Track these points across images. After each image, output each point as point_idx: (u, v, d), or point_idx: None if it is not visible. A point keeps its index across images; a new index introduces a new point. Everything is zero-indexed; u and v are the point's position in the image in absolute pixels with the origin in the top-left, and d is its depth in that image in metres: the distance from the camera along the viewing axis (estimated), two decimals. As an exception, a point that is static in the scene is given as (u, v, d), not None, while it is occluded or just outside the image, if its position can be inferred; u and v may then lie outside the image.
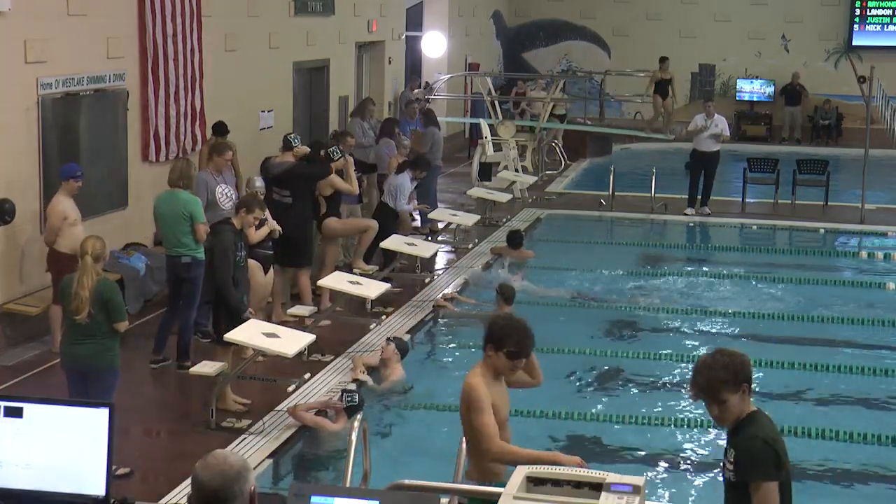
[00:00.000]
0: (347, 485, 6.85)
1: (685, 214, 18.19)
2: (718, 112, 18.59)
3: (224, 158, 11.58)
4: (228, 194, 11.53)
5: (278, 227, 11.22)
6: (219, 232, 9.75)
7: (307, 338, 9.64)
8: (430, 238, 15.35)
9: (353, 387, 9.82)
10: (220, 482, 3.58)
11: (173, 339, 10.57)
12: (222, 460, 3.63)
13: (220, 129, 13.77)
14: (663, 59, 25.03)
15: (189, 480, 7.82)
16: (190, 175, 10.55)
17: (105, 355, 8.08)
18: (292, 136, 12.49)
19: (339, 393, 9.18)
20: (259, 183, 11.84)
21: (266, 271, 11.29)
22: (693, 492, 8.45)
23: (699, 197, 18.24)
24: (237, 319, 9.44)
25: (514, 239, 15.04)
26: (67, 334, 8.20)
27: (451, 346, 11.81)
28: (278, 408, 9.38)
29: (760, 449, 4.89)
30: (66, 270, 8.78)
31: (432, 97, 21.52)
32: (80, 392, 8.05)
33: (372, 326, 11.74)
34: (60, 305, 8.66)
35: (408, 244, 13.39)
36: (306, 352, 10.33)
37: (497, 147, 20.16)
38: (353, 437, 7.25)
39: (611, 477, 4.57)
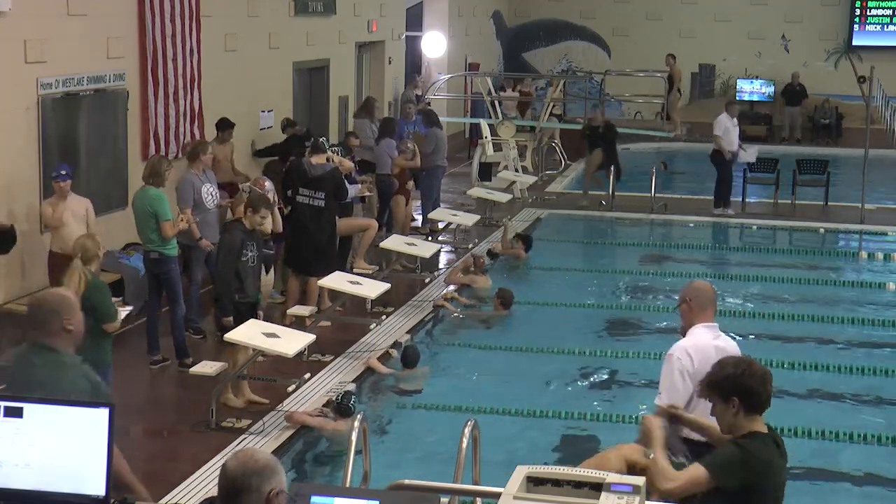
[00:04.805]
0: (347, 485, 6.84)
1: (726, 216, 18.17)
2: (720, 111, 18.66)
3: (208, 156, 11.56)
4: (213, 193, 11.51)
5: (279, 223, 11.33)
6: (228, 231, 9.80)
7: (307, 338, 9.64)
8: (430, 238, 15.35)
9: (351, 387, 9.83)
10: (240, 472, 3.70)
11: (171, 340, 10.58)
12: (250, 454, 3.77)
13: (225, 124, 13.80)
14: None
15: (186, 482, 7.80)
16: (160, 172, 10.44)
17: (99, 354, 8.07)
18: (323, 139, 12.49)
19: (337, 395, 9.18)
20: (268, 185, 11.81)
21: (268, 271, 11.31)
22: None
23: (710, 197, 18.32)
24: (250, 316, 9.52)
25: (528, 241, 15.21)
26: None
27: (451, 346, 11.80)
28: (278, 408, 9.39)
29: (729, 449, 4.91)
30: (59, 271, 8.77)
31: (429, 96, 21.50)
32: None
33: (372, 326, 11.73)
34: None
35: (408, 244, 13.39)
36: (306, 352, 10.33)
37: (497, 147, 20.17)
38: (353, 437, 7.25)
39: (611, 477, 4.56)
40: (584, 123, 20.36)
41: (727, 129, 18.13)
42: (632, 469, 5.36)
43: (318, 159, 12.00)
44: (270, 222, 10.87)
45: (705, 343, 6.07)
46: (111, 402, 5.20)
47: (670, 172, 22.40)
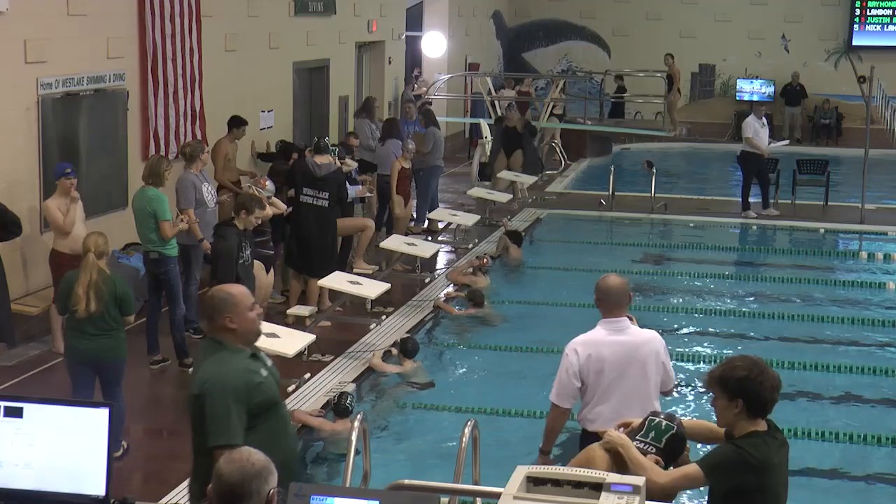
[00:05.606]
0: (347, 485, 6.84)
1: (749, 217, 18.15)
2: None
3: (205, 156, 11.61)
4: (212, 192, 11.55)
5: (284, 207, 11.49)
6: (223, 236, 9.74)
7: (307, 338, 9.64)
8: (428, 238, 15.36)
9: (350, 387, 9.83)
10: (239, 478, 3.66)
11: (171, 340, 10.58)
12: (246, 457, 3.72)
13: (237, 121, 13.85)
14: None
15: (186, 482, 7.79)
16: (159, 172, 10.44)
17: (121, 347, 8.25)
18: (326, 139, 12.54)
19: (336, 395, 9.18)
20: (269, 185, 11.81)
21: (268, 271, 11.31)
22: (692, 492, 8.44)
23: (751, 200, 18.28)
24: None
25: (516, 237, 15.22)
26: (78, 329, 8.15)
27: (450, 345, 11.80)
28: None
29: (725, 449, 4.91)
30: (64, 271, 8.79)
31: (428, 96, 21.50)
32: (87, 385, 8.10)
33: (372, 326, 11.73)
34: (56, 303, 8.69)
35: (408, 244, 13.39)
36: (306, 352, 10.34)
37: (497, 147, 20.14)
38: (353, 437, 7.24)
39: (611, 477, 4.56)
40: (497, 120, 19.70)
41: (756, 130, 18.17)
42: (617, 458, 5.32)
43: (321, 159, 12.01)
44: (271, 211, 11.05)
45: (599, 339, 6.31)
46: (276, 401, 5.15)
47: (670, 174, 22.39)
